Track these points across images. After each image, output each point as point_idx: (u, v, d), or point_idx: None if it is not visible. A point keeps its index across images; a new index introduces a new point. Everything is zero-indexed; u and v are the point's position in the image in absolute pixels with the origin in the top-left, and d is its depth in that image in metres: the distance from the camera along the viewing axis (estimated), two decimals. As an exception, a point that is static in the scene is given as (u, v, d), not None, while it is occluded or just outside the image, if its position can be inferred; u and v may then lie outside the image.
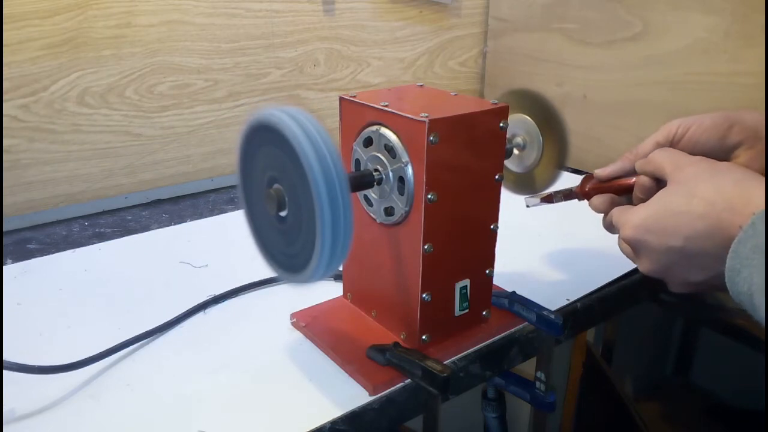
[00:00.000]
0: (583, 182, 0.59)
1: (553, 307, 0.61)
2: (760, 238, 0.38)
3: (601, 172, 0.57)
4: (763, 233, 0.38)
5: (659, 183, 0.50)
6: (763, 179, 0.43)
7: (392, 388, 0.52)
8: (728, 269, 0.40)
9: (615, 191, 0.56)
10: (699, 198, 0.44)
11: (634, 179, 0.54)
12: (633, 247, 0.49)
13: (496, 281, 0.59)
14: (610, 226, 0.54)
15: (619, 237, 0.52)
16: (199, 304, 0.65)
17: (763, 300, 0.38)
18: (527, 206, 0.64)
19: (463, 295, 0.56)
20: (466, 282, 0.56)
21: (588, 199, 0.58)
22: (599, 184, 0.57)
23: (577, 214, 0.65)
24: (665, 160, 0.49)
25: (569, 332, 0.66)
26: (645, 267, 0.49)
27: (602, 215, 0.56)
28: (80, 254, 0.78)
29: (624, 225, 0.49)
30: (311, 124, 0.43)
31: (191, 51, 0.93)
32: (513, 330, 0.60)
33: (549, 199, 0.62)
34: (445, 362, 0.53)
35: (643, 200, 0.51)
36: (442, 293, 0.55)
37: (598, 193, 0.57)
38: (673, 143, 0.53)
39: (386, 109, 0.51)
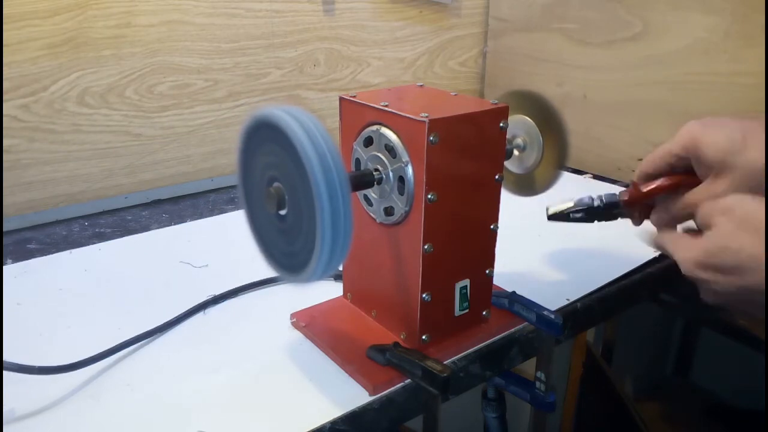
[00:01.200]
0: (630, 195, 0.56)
1: (553, 307, 0.61)
2: None
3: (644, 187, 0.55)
4: None
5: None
6: None
7: (392, 388, 0.52)
8: None
9: (658, 193, 0.54)
10: (746, 253, 0.44)
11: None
12: (695, 281, 0.49)
13: (496, 281, 0.59)
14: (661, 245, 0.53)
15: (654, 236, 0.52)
16: (199, 304, 0.65)
17: None
18: (548, 217, 0.61)
19: (463, 295, 0.56)
20: (466, 282, 0.56)
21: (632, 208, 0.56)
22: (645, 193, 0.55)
23: (577, 214, 0.65)
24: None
25: (569, 332, 0.66)
26: (708, 298, 0.49)
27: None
28: (80, 254, 0.78)
29: (680, 264, 0.49)
30: (312, 123, 0.43)
31: (191, 51, 0.93)
32: (513, 330, 0.60)
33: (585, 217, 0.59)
34: (445, 362, 0.53)
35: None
36: (442, 293, 0.55)
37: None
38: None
39: (386, 109, 0.51)
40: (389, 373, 0.52)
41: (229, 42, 0.95)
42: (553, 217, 0.60)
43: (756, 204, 0.45)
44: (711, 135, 0.49)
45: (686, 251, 0.48)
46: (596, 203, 0.58)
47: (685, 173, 0.53)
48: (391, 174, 0.52)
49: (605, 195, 0.58)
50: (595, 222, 0.59)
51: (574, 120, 0.88)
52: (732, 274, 0.44)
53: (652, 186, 0.54)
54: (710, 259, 0.46)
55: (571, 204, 0.60)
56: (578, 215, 0.59)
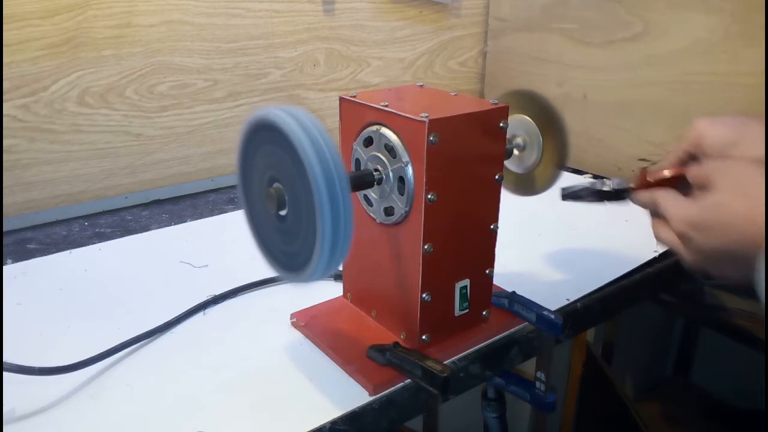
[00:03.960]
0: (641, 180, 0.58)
1: (553, 307, 0.61)
2: None
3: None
4: None
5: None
6: None
7: (392, 388, 0.52)
8: (757, 270, 0.42)
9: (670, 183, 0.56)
10: (739, 212, 0.45)
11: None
12: (681, 239, 0.50)
13: (496, 281, 0.59)
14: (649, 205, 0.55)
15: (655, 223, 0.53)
16: (198, 304, 0.65)
17: None
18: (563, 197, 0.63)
19: (463, 295, 0.56)
20: (466, 282, 0.56)
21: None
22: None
23: (577, 214, 0.65)
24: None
25: (569, 332, 0.66)
26: (689, 258, 0.51)
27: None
28: (80, 254, 0.78)
29: (671, 219, 0.50)
30: (312, 123, 0.43)
31: (191, 51, 0.93)
32: (513, 330, 0.60)
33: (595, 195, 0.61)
34: (445, 362, 0.53)
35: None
36: (442, 293, 0.55)
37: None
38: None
39: (386, 109, 0.51)
40: (389, 373, 0.52)
41: (229, 42, 0.95)
42: (567, 196, 0.62)
43: (752, 170, 0.46)
44: (713, 129, 0.52)
45: (681, 209, 0.49)
46: (607, 188, 0.61)
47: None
48: (391, 174, 0.52)
49: (616, 181, 0.60)
50: (605, 202, 0.61)
51: (574, 120, 0.88)
52: (719, 232, 0.46)
53: (659, 175, 0.56)
54: (705, 215, 0.47)
55: (586, 184, 0.62)
56: (590, 198, 0.62)
